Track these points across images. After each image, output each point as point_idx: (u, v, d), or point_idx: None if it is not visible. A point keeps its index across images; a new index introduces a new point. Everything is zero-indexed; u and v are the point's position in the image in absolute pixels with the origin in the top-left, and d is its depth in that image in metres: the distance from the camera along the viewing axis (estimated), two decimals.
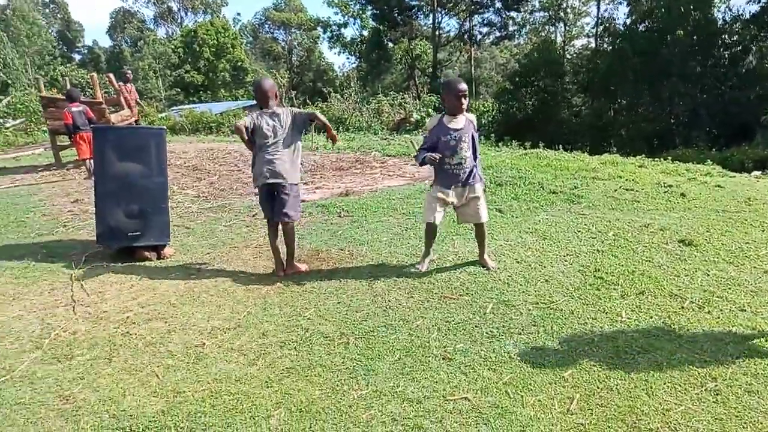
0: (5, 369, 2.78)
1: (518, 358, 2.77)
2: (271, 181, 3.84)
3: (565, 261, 4.07)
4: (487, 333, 3.04)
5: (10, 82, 40.82)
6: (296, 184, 4.01)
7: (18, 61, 45.54)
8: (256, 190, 4.11)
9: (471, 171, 3.83)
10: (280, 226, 4.02)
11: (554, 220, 5.11)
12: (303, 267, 4.10)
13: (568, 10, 40.31)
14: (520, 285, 3.65)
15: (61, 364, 2.83)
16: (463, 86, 3.74)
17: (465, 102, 3.74)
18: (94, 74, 12.08)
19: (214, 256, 4.49)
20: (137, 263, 4.34)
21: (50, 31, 55.77)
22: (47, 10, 60.38)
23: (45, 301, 3.62)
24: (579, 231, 4.74)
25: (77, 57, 60.31)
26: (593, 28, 37.23)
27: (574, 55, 36.89)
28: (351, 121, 17.31)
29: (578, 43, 40.85)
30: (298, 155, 4.01)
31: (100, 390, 2.59)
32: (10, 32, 46.98)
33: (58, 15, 61.71)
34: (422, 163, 3.82)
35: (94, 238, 4.54)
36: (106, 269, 4.22)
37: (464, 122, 3.78)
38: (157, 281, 3.93)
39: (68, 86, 12.72)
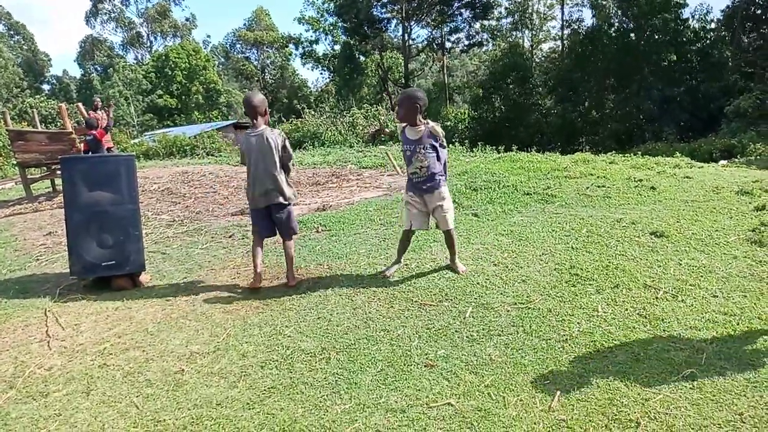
0: None
1: (499, 359, 2.79)
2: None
3: (541, 260, 4.12)
4: (467, 337, 3.06)
5: None
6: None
7: None
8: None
9: (430, 179, 3.88)
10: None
11: (529, 220, 5.17)
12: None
13: (534, 15, 41.16)
14: (498, 287, 3.69)
15: (37, 401, 2.76)
16: (402, 97, 3.91)
17: (413, 113, 3.79)
18: (63, 105, 11.93)
19: (191, 280, 4.44)
20: (113, 293, 4.27)
21: (16, 63, 54.89)
22: (12, 42, 59.49)
23: (18, 339, 3.53)
24: (553, 230, 4.81)
25: (46, 87, 59.48)
26: (559, 31, 38.09)
27: (542, 58, 37.64)
28: (326, 136, 17.35)
29: (546, 46, 41.73)
30: None
31: (77, 426, 2.53)
32: None
33: (24, 47, 60.87)
34: None
35: (68, 271, 4.46)
36: (81, 301, 4.13)
37: (423, 133, 3.82)
38: (133, 310, 3.87)
39: (36, 118, 12.57)
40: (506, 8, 41.61)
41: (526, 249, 4.39)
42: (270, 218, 4.16)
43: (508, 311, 3.32)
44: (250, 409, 2.55)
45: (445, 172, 4.02)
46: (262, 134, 3.97)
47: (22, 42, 61.15)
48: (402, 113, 3.88)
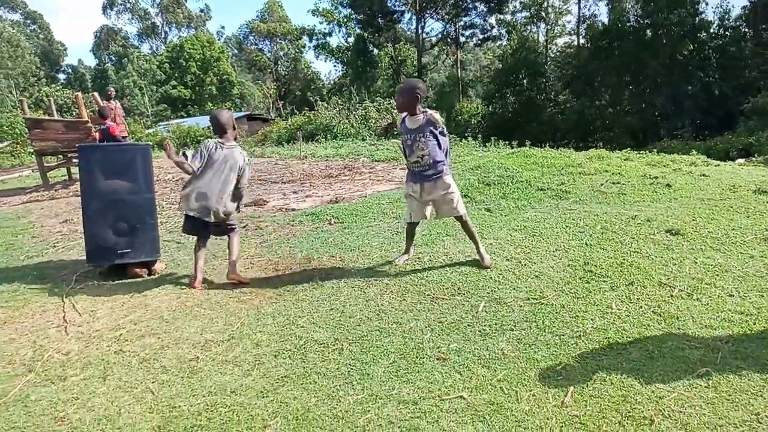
0: None
1: (512, 354, 2.79)
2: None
3: (555, 256, 4.10)
4: (480, 331, 3.06)
5: None
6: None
7: (2, 83, 45.36)
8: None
9: (433, 167, 3.88)
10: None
11: (542, 216, 5.15)
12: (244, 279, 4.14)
13: (549, 10, 40.71)
14: (511, 282, 3.68)
15: (55, 385, 2.81)
16: (401, 87, 3.97)
17: (412, 102, 3.82)
18: (79, 94, 12.07)
19: (205, 270, 4.46)
20: (128, 280, 4.33)
21: (33, 52, 55.47)
22: (29, 30, 60.11)
23: (37, 323, 3.59)
24: (567, 226, 4.78)
25: (62, 77, 60.08)
26: (575, 26, 37.67)
27: (557, 53, 37.26)
28: (339, 129, 17.37)
29: (561, 41, 41.26)
30: None
31: (95, 409, 2.57)
32: None
33: (41, 36, 61.46)
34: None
35: (85, 258, 4.52)
36: (97, 288, 4.20)
37: (422, 121, 3.84)
38: (148, 297, 3.92)
39: (53, 107, 12.71)
40: (521, 2, 41.21)
41: (539, 245, 4.37)
42: (197, 228, 4.18)
43: (521, 306, 3.32)
44: (263, 397, 2.58)
45: (447, 159, 4.02)
46: (232, 150, 4.06)
47: (39, 31, 61.76)
48: (401, 102, 3.92)
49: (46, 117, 12.37)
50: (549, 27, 41.54)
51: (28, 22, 61.12)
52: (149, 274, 4.43)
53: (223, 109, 4.44)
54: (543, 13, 40.76)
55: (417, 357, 2.83)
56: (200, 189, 3.99)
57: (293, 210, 6.28)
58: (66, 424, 2.48)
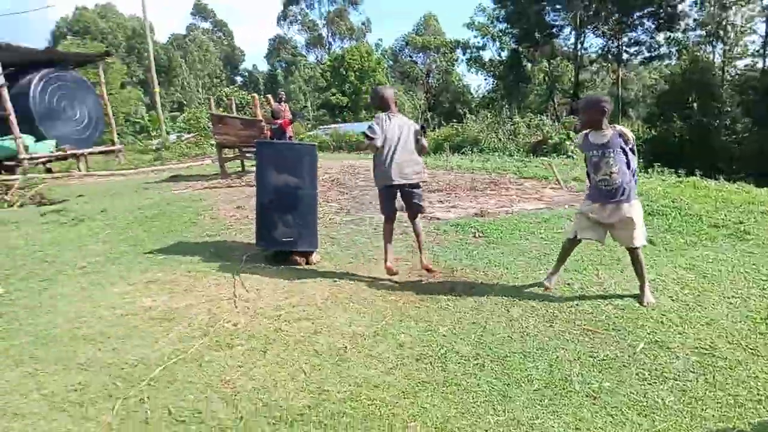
0: (179, 350, 3.19)
1: (674, 406, 2.53)
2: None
3: (731, 304, 3.63)
4: (637, 374, 2.82)
5: (185, 102, 47.32)
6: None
7: (192, 83, 52.59)
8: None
9: (621, 188, 3.59)
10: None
11: (716, 257, 4.59)
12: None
13: (729, 28, 36.06)
14: (676, 326, 3.34)
15: (224, 351, 3.18)
16: (586, 101, 3.77)
17: (598, 117, 3.60)
18: (255, 95, 13.50)
19: (355, 266, 4.73)
20: (289, 266, 4.74)
21: (218, 56, 63.37)
22: (215, 37, 68.77)
23: (211, 294, 4.09)
24: (747, 271, 4.21)
25: (239, 79, 67.75)
26: (760, 47, 32.96)
27: (736, 76, 32.94)
28: (486, 142, 17.21)
29: (741, 63, 36.29)
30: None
31: (255, 379, 2.86)
32: (187, 58, 54.57)
33: (224, 42, 69.95)
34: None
35: (254, 241, 5.05)
36: (262, 270, 4.66)
37: (610, 136, 3.58)
38: (305, 285, 4.25)
39: (233, 106, 14.39)
40: (695, 20, 37.09)
41: (711, 288, 3.90)
42: (394, 198, 4.42)
43: (686, 355, 2.99)
44: (404, 398, 2.66)
45: (635, 182, 3.71)
46: (402, 119, 4.36)
47: (223, 38, 70.33)
48: (587, 118, 3.70)
49: (228, 114, 14.04)
50: (727, 47, 36.81)
51: (216, 29, 69.96)
52: (307, 263, 4.81)
53: (386, 86, 4.82)
54: (721, 32, 36.24)
55: (563, 389, 2.71)
56: (392, 161, 4.25)
57: (438, 219, 6.37)
58: (231, 387, 2.80)
